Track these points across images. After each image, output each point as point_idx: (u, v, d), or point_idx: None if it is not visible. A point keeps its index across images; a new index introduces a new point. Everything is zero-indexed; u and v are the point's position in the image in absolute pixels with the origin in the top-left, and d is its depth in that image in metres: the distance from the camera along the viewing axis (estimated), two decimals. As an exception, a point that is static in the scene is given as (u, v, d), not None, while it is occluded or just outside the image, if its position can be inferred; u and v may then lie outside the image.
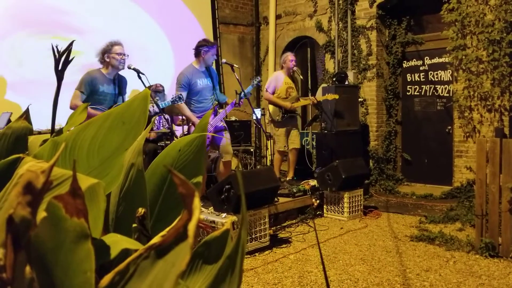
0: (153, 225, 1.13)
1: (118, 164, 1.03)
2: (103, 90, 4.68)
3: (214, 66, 5.90)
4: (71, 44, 1.16)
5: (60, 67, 1.17)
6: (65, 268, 0.59)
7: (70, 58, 1.18)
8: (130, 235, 0.89)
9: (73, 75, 4.48)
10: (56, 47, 1.17)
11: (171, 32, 7.57)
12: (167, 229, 0.61)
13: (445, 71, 7.09)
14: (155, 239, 0.61)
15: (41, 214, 0.61)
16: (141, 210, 0.82)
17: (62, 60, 1.16)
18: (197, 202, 0.51)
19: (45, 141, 1.11)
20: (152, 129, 6.01)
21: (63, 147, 0.69)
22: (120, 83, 4.85)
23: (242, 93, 5.24)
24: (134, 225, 0.84)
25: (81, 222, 0.59)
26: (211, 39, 7.70)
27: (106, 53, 4.70)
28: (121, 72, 4.88)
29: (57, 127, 1.30)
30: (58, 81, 1.18)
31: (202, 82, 5.25)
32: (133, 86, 5.61)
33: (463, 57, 6.35)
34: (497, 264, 3.93)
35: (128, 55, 4.81)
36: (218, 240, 0.82)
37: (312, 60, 8.94)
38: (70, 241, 0.58)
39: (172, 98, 5.03)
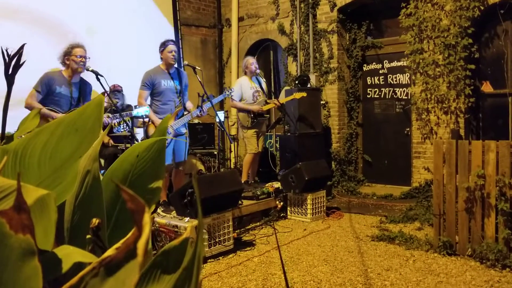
0: (110, 233, 1.09)
1: (72, 172, 0.99)
2: (59, 91, 4.63)
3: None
4: (21, 47, 1.11)
5: (10, 71, 1.12)
6: (10, 286, 0.56)
7: (21, 61, 1.13)
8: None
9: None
10: (6, 50, 1.11)
11: (136, 32, 7.43)
12: (122, 241, 0.59)
13: (404, 75, 7.27)
14: (109, 252, 0.59)
15: (-16, 230, 0.57)
16: (95, 221, 0.79)
17: (12, 64, 1.11)
18: (147, 218, 0.49)
19: (-6, 148, 1.06)
20: (112, 132, 5.86)
21: (5, 161, 0.66)
22: (82, 88, 4.78)
23: (209, 103, 5.18)
24: (88, 236, 0.81)
25: (27, 238, 0.56)
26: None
27: (67, 56, 4.68)
28: (88, 76, 4.79)
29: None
30: (8, 86, 1.13)
31: (167, 83, 5.16)
32: (93, 88, 5.47)
33: (421, 60, 6.54)
34: (455, 262, 4.05)
35: (89, 58, 4.76)
36: (177, 249, 0.80)
37: (275, 63, 8.98)
38: (15, 258, 0.55)
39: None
